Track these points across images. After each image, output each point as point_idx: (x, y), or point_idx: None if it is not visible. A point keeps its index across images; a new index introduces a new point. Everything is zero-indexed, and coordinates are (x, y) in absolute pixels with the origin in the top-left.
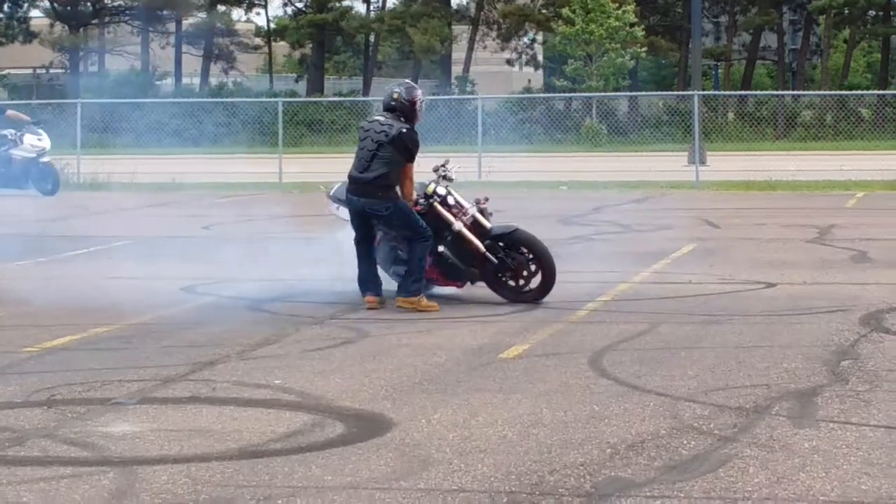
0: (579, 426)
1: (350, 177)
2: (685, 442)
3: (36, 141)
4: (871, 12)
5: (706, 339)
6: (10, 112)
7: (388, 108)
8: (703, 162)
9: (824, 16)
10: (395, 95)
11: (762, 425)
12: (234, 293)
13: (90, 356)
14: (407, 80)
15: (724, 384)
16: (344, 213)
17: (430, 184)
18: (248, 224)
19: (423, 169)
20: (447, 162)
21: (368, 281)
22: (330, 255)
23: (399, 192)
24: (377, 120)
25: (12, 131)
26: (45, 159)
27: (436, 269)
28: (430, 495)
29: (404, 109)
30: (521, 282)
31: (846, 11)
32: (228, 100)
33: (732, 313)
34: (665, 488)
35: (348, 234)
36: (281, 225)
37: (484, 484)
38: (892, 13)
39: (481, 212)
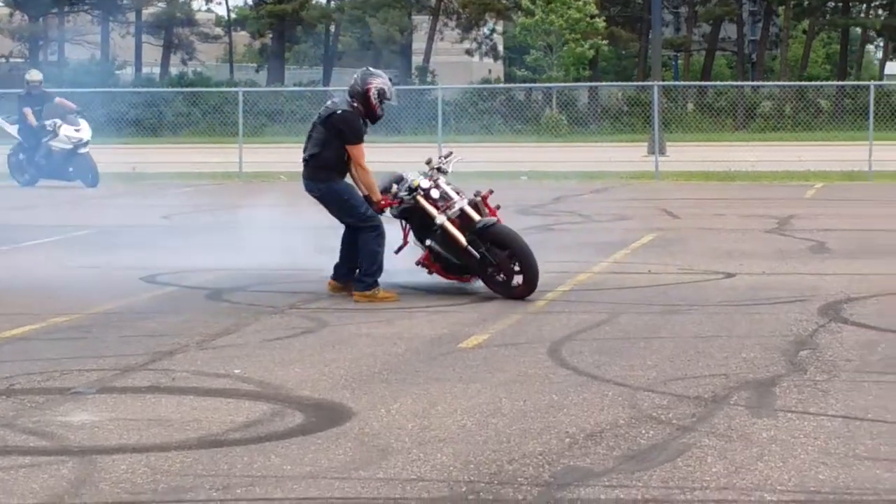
0: (538, 416)
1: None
2: (644, 431)
3: (73, 132)
4: (831, 3)
5: (665, 328)
6: (58, 99)
7: (349, 93)
8: (662, 152)
9: (784, 7)
10: (352, 81)
11: (720, 415)
12: (194, 283)
13: (49, 345)
14: (370, 68)
15: (682, 374)
16: None
17: (416, 177)
18: (208, 213)
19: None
20: (450, 154)
21: (337, 265)
22: (290, 244)
23: (339, 176)
24: (327, 104)
25: (55, 121)
26: (83, 150)
27: (436, 263)
28: (390, 484)
29: (358, 96)
30: (506, 277)
31: (806, 2)
32: (189, 89)
33: (691, 303)
34: (623, 478)
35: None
36: (241, 214)
37: (443, 473)
38: (850, 4)
39: (474, 205)
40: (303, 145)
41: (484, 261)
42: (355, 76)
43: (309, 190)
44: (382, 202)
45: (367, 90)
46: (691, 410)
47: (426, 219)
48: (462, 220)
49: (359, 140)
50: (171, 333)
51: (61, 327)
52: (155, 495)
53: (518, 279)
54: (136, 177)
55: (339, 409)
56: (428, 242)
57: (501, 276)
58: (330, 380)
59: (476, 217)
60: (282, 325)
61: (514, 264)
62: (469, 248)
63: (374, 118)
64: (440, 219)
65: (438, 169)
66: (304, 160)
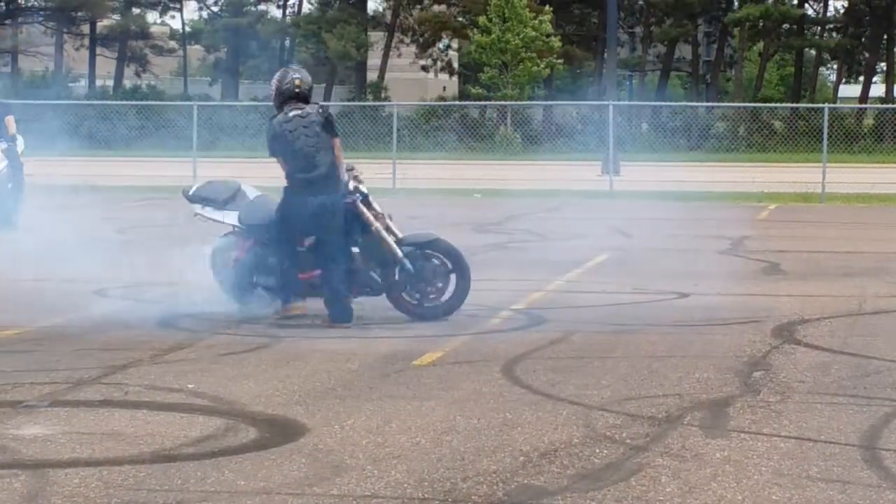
0: (492, 434)
1: (301, 179)
2: (598, 451)
3: None
4: (786, 25)
5: (619, 348)
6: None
7: (295, 97)
8: (616, 172)
9: (739, 28)
10: (299, 83)
11: (674, 435)
12: (147, 297)
13: (1, 359)
14: (284, 68)
15: (636, 394)
16: (222, 215)
17: (348, 181)
18: (162, 227)
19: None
20: (354, 167)
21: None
22: None
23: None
24: (296, 115)
25: None
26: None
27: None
28: (343, 501)
29: (308, 95)
30: (431, 295)
31: (761, 24)
32: (143, 103)
33: (645, 323)
34: (577, 497)
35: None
36: (195, 228)
37: (397, 490)
38: (805, 27)
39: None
40: (299, 164)
41: (416, 275)
42: (297, 78)
43: (330, 208)
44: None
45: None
46: (645, 430)
47: (355, 224)
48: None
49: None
50: (124, 347)
51: (12, 340)
52: None
53: (445, 296)
54: (90, 189)
55: (293, 425)
56: (354, 250)
57: (417, 294)
58: (284, 395)
59: (398, 233)
60: (235, 340)
61: (448, 281)
62: (404, 259)
63: None
64: (376, 226)
65: (356, 178)
66: (322, 175)
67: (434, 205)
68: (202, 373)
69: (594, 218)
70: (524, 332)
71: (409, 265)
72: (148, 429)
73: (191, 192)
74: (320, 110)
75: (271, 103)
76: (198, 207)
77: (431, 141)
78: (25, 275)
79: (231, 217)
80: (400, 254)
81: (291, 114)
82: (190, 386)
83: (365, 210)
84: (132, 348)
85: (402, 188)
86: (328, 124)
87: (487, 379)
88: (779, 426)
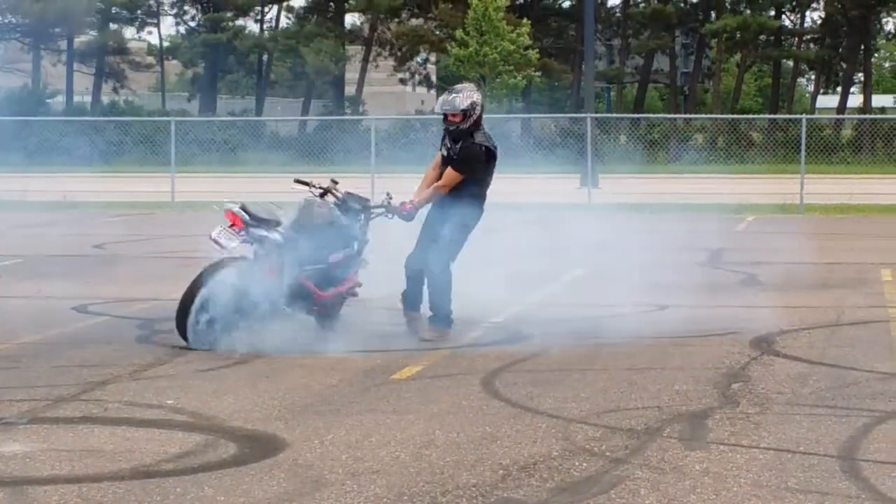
0: (472, 447)
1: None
2: (577, 464)
3: None
4: (763, 36)
5: (598, 361)
6: None
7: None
8: (595, 184)
9: (716, 39)
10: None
11: (653, 447)
12: (126, 312)
13: None
14: (472, 85)
15: (615, 406)
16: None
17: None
18: (140, 243)
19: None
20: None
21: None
22: None
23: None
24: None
25: None
26: None
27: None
28: None
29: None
30: None
31: (738, 35)
32: (121, 119)
33: (624, 336)
34: None
35: None
36: (173, 244)
37: None
38: (782, 38)
39: None
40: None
41: None
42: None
43: None
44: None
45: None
46: (624, 442)
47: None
48: None
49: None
50: (104, 364)
51: None
52: None
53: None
54: (68, 205)
55: (273, 440)
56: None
57: None
58: (263, 410)
59: None
60: (214, 355)
61: None
62: None
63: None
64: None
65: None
66: None
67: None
68: (181, 388)
69: (573, 231)
70: (503, 346)
71: None
72: (127, 445)
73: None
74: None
75: (251, 119)
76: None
77: (410, 154)
78: (4, 291)
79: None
80: None
81: (488, 131)
82: (169, 402)
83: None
84: (111, 364)
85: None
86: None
87: (467, 392)
88: (758, 438)
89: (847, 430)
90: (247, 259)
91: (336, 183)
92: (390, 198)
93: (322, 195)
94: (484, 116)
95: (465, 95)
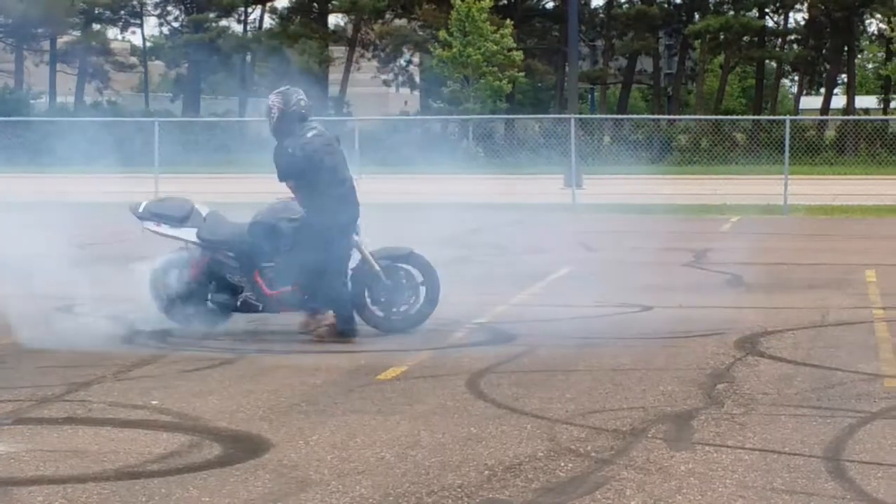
0: (457, 448)
1: (333, 195)
2: (562, 464)
3: None
4: (746, 37)
5: (583, 361)
6: None
7: (301, 118)
8: (579, 185)
9: (700, 40)
10: (304, 103)
11: (639, 448)
12: (110, 312)
13: None
14: (284, 89)
15: (600, 407)
16: (180, 232)
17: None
18: (124, 243)
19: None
20: None
21: None
22: None
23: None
24: (315, 135)
25: None
26: None
27: (315, 289)
28: None
29: (309, 115)
30: (403, 307)
31: (722, 36)
32: (104, 119)
33: (609, 336)
34: None
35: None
36: (156, 243)
37: None
38: (766, 38)
39: None
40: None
41: (391, 287)
42: (304, 99)
43: (355, 221)
44: None
45: None
46: (609, 443)
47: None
48: None
49: None
50: (88, 364)
51: None
52: None
53: (415, 308)
54: (51, 205)
55: (258, 441)
56: None
57: (389, 306)
58: (248, 411)
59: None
60: (199, 355)
61: (420, 293)
62: (381, 273)
63: None
64: (357, 241)
65: None
66: (350, 189)
67: (397, 219)
68: (166, 389)
69: (557, 231)
70: (488, 346)
71: (384, 279)
72: (112, 446)
73: (141, 209)
74: (323, 126)
75: (234, 119)
76: (151, 224)
77: (394, 155)
78: None
79: (189, 234)
80: (377, 267)
81: (310, 134)
82: (154, 402)
83: None
84: (96, 365)
85: (364, 202)
86: (337, 138)
87: (452, 393)
88: (743, 438)
89: (832, 430)
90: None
91: None
92: None
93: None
94: (463, 117)
95: (269, 100)
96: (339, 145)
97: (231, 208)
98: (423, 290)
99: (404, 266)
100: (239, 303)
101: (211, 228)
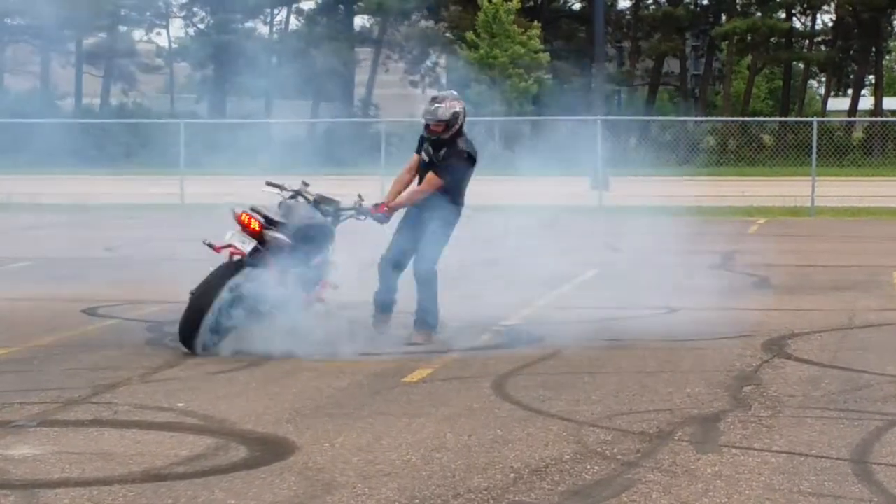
0: (483, 450)
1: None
2: (589, 467)
3: None
4: (774, 39)
5: (609, 363)
6: None
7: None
8: (605, 187)
9: (727, 42)
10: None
11: (665, 450)
12: (136, 315)
13: None
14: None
15: (627, 409)
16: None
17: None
18: (150, 245)
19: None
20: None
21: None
22: None
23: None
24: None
25: None
26: None
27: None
28: None
29: None
30: None
31: (749, 38)
32: (130, 121)
33: (635, 338)
34: None
35: None
36: (183, 246)
37: None
38: (793, 40)
39: None
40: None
41: None
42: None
43: None
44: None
45: None
46: (636, 446)
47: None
48: None
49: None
50: (114, 366)
51: (2, 360)
52: None
53: None
54: (78, 207)
55: (284, 443)
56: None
57: None
58: (274, 413)
59: None
60: (225, 358)
61: None
62: None
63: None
64: None
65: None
66: None
67: None
68: (192, 391)
69: (584, 233)
70: (514, 349)
71: None
72: (138, 448)
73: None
74: None
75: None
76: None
77: None
78: (14, 294)
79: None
80: None
81: (470, 138)
82: (180, 405)
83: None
84: (121, 367)
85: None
86: None
87: (478, 395)
88: (770, 441)
89: (859, 433)
90: (256, 264)
91: (307, 185)
92: (362, 199)
93: (293, 197)
94: (490, 118)
95: (448, 105)
96: None
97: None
98: None
99: None
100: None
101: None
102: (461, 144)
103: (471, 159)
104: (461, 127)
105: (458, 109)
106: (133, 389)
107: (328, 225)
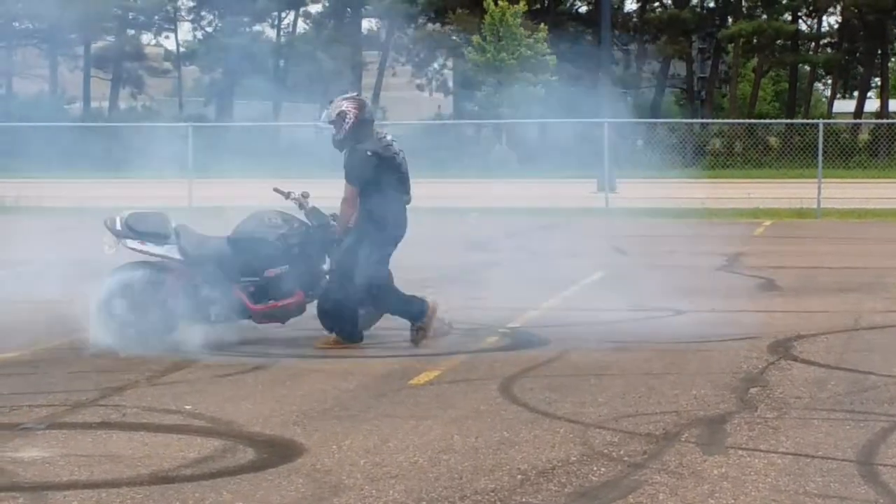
0: (490, 452)
1: (404, 202)
2: (595, 468)
3: None
4: (779, 41)
5: (615, 365)
6: None
7: (371, 124)
8: (612, 189)
9: (733, 44)
10: (370, 110)
11: (672, 452)
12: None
13: None
14: (356, 95)
15: (633, 411)
16: (158, 249)
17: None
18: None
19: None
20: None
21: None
22: None
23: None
24: (391, 140)
25: None
26: None
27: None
28: None
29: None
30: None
31: (755, 40)
32: (138, 124)
33: (641, 340)
34: None
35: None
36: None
37: None
38: (799, 42)
39: None
40: (406, 188)
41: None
42: (369, 105)
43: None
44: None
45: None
46: (642, 447)
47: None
48: None
49: None
50: (121, 369)
51: (10, 362)
52: None
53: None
54: (85, 210)
55: (291, 446)
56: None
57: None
58: (281, 416)
59: None
60: (232, 361)
61: None
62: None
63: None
64: None
65: (300, 203)
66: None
67: (430, 223)
68: (200, 394)
69: (589, 235)
70: (521, 351)
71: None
72: (146, 450)
73: (119, 226)
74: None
75: (269, 124)
76: (135, 243)
77: (427, 159)
78: (22, 297)
79: (173, 251)
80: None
81: (389, 137)
82: (187, 407)
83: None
84: (129, 370)
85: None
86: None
87: (485, 397)
88: (776, 442)
89: (865, 434)
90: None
91: (306, 196)
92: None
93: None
94: (497, 121)
95: (335, 105)
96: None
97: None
98: None
99: None
100: (212, 317)
101: (192, 243)
102: (365, 144)
103: (378, 157)
104: (356, 126)
105: (343, 108)
106: (141, 392)
107: (274, 243)
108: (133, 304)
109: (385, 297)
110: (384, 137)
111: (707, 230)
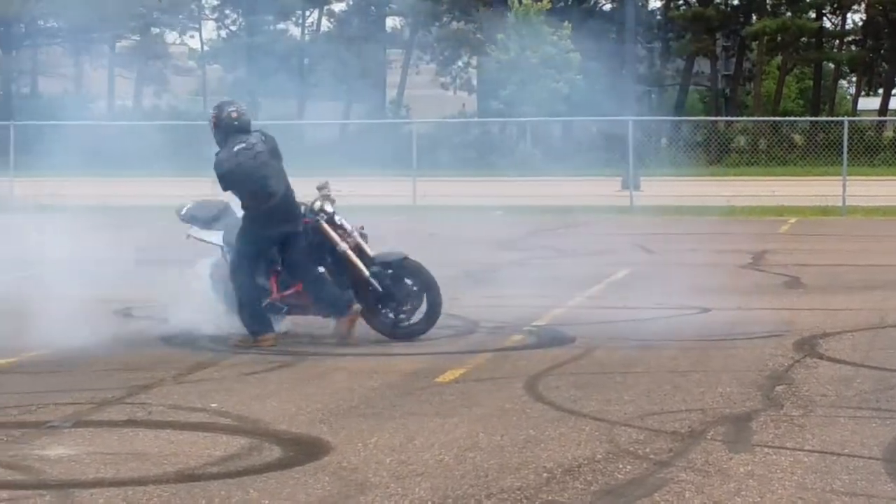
0: (516, 450)
1: (263, 210)
2: (621, 466)
3: None
4: (804, 39)
5: (641, 363)
6: None
7: (235, 129)
8: (637, 187)
9: (757, 42)
10: (236, 115)
11: (697, 450)
12: (168, 316)
13: (25, 379)
14: (219, 103)
15: (659, 409)
16: (210, 235)
17: (315, 201)
18: (185, 247)
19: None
20: (327, 183)
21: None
22: None
23: None
24: (241, 148)
25: None
26: None
27: (307, 295)
28: None
29: (248, 124)
30: (402, 315)
31: (779, 38)
32: (162, 122)
33: (667, 338)
34: None
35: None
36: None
37: None
38: (823, 40)
39: (362, 237)
40: (270, 183)
41: (384, 295)
42: (231, 109)
43: (290, 231)
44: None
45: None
46: (668, 445)
47: (322, 245)
48: (356, 251)
49: None
50: (147, 367)
51: (36, 361)
52: None
53: (416, 317)
54: (111, 209)
55: (317, 444)
56: (320, 270)
57: (392, 313)
58: (307, 414)
59: (369, 251)
60: (258, 358)
61: (421, 298)
62: (371, 279)
63: None
64: (342, 246)
65: (327, 197)
66: (280, 203)
67: (454, 221)
68: (226, 392)
69: (614, 233)
70: (546, 349)
71: (376, 284)
72: (172, 448)
73: (183, 212)
74: (263, 138)
75: (293, 122)
76: (190, 228)
77: (452, 158)
78: (48, 296)
79: (216, 237)
80: (367, 273)
81: (236, 148)
82: (213, 405)
83: (330, 230)
84: (155, 368)
85: (421, 205)
86: (275, 151)
87: (510, 395)
88: (802, 440)
89: (891, 432)
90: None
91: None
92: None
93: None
94: (521, 119)
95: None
96: (277, 160)
97: None
98: (424, 297)
99: (397, 272)
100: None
101: (231, 232)
102: (222, 151)
103: (216, 159)
104: (214, 132)
105: (211, 111)
106: (167, 390)
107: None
108: (216, 284)
109: (238, 294)
110: (247, 141)
111: (732, 228)
